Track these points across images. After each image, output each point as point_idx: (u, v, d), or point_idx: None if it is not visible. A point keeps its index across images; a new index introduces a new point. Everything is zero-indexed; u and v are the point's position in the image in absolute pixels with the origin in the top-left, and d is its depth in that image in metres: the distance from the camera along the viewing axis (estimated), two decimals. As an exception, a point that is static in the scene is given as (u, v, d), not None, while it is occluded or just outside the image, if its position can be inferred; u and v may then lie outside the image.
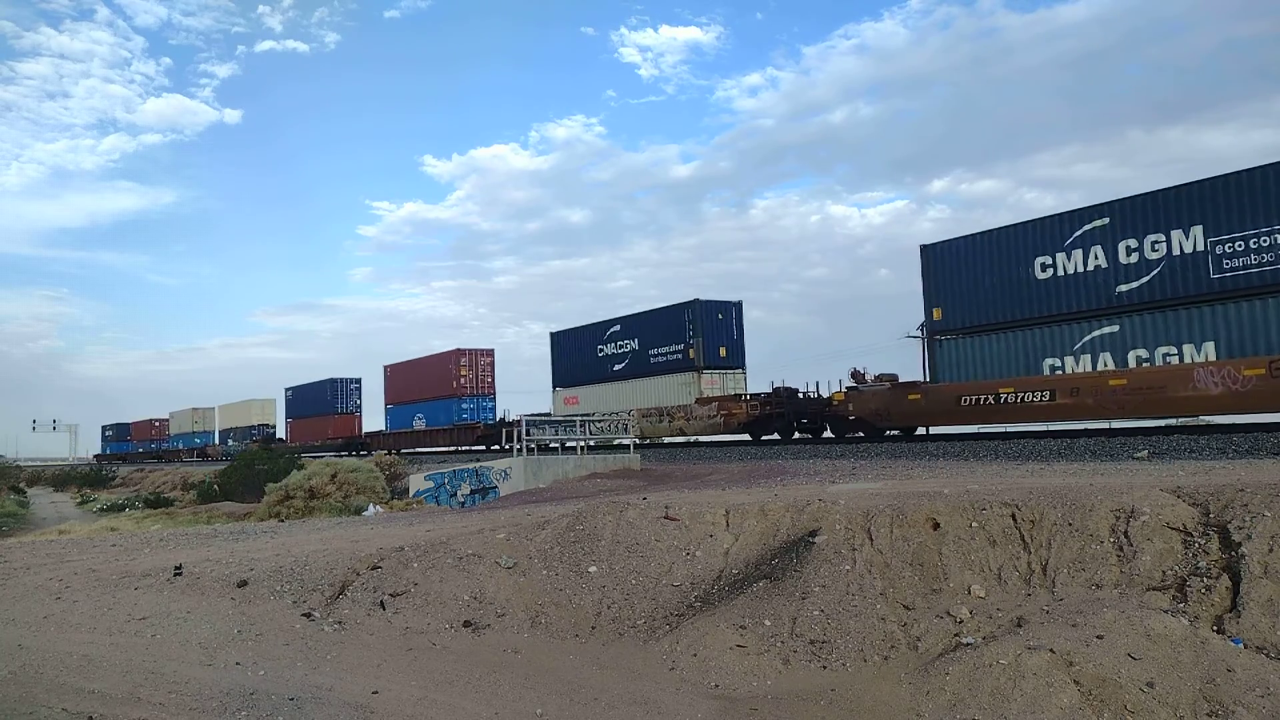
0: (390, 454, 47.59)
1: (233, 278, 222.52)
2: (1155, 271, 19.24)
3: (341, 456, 40.91)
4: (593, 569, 9.36)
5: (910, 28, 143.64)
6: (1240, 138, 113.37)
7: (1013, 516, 8.29)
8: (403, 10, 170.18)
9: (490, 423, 42.43)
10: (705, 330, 32.44)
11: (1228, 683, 5.96)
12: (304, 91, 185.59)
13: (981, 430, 24.61)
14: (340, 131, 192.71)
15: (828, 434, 28.76)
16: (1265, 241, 17.48)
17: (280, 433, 64.63)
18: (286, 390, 63.61)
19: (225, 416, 72.76)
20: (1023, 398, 20.78)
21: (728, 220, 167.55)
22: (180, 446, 78.19)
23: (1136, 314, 19.46)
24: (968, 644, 6.82)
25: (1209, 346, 18.17)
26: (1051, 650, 6.26)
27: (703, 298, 32.83)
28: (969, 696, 6.20)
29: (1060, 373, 20.53)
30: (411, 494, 26.89)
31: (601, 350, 37.29)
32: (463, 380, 44.17)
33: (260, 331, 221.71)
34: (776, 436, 29.60)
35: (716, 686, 7.16)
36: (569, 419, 30.43)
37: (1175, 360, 18.65)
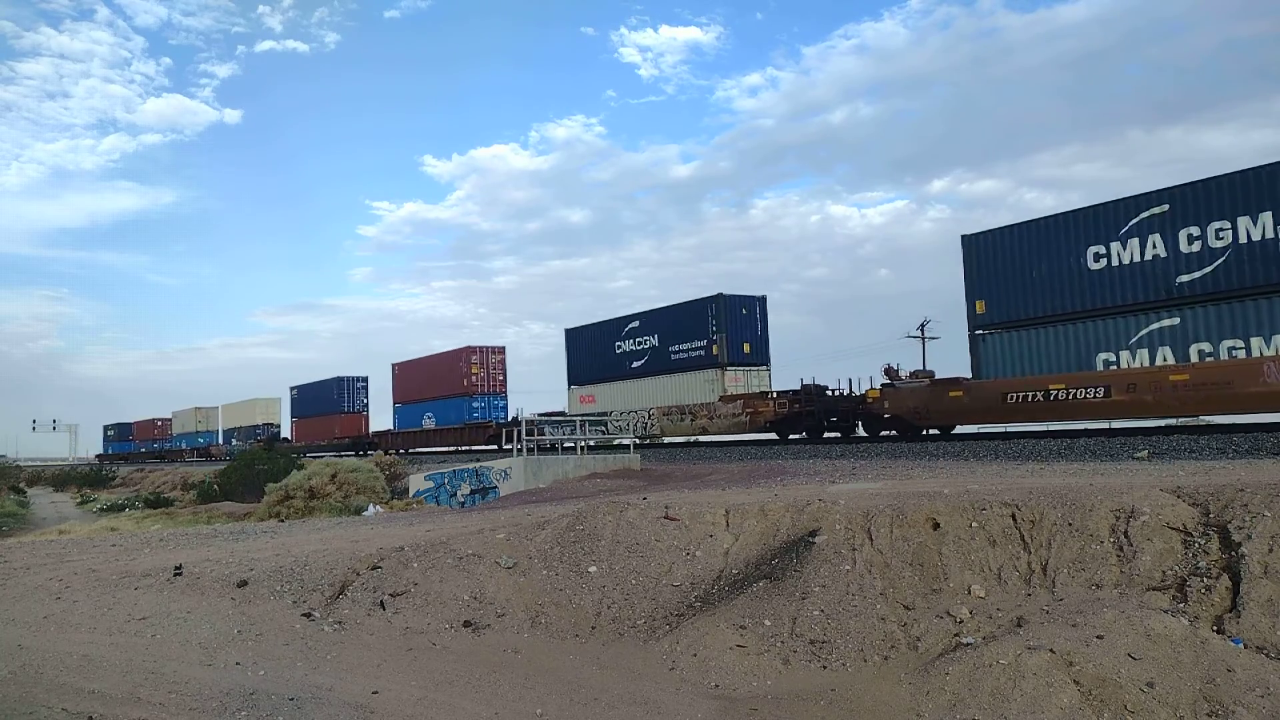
0: (397, 453, 47.33)
1: (233, 278, 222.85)
2: (1220, 260, 18.30)
3: (349, 456, 40.60)
4: (593, 569, 9.36)
5: (910, 28, 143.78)
6: (1240, 138, 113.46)
7: (1013, 516, 8.29)
8: (403, 10, 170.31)
9: (502, 421, 41.79)
10: (729, 326, 31.44)
11: (1228, 683, 5.96)
12: (304, 91, 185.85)
13: (1028, 429, 23.73)
14: (340, 131, 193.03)
15: (859, 433, 27.91)
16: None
17: (285, 432, 63.98)
18: (292, 389, 62.82)
19: (229, 416, 72.25)
20: (1075, 394, 19.83)
21: (728, 220, 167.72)
22: (183, 446, 77.74)
23: (1199, 305, 18.52)
24: (968, 644, 6.82)
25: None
26: (1051, 650, 6.26)
27: (726, 292, 31.70)
28: (969, 696, 6.20)
29: (1115, 367, 19.63)
30: (411, 494, 26.88)
31: (619, 347, 36.40)
32: (474, 378, 43.46)
33: (260, 331, 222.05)
34: (803, 436, 28.84)
35: (716, 686, 7.16)
36: (569, 419, 30.47)
37: (1242, 354, 17.79)
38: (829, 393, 28.59)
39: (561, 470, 23.34)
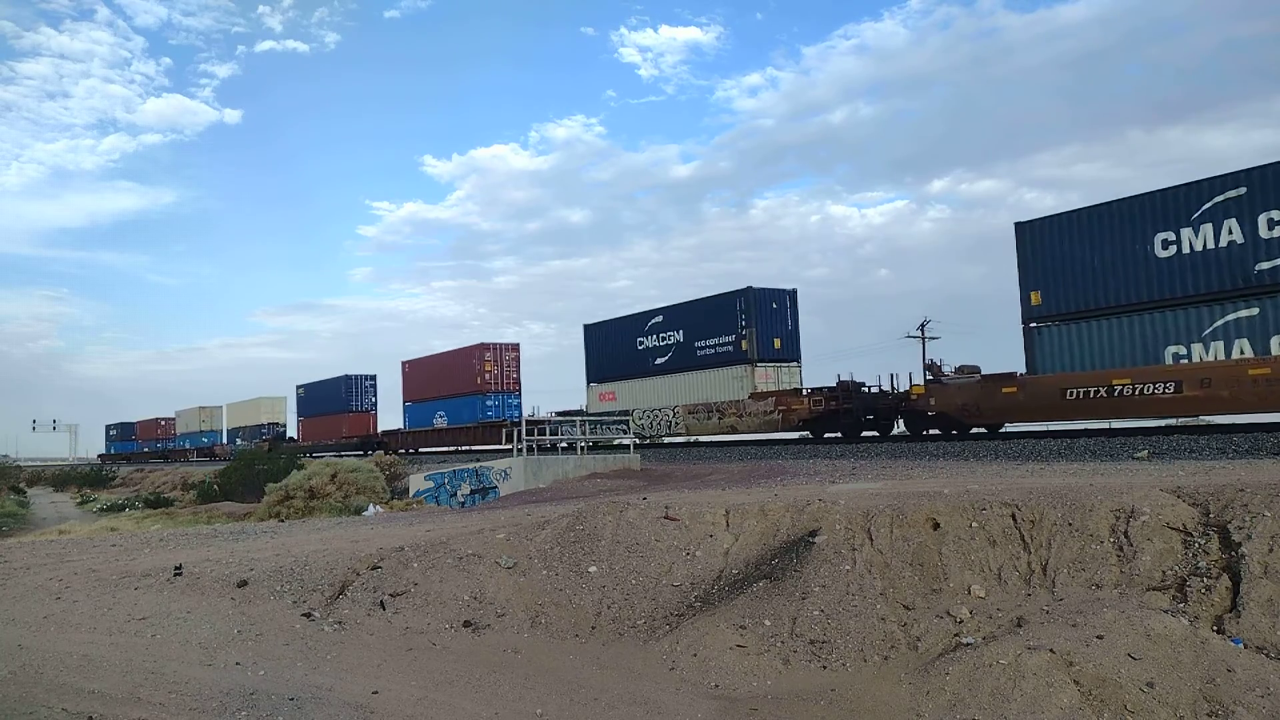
0: (408, 453, 46.65)
1: (233, 278, 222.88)
2: (1304, 245, 16.90)
3: (359, 456, 40.22)
4: (593, 569, 9.36)
5: (910, 28, 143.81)
6: (1240, 138, 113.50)
7: (1013, 516, 8.29)
8: (403, 10, 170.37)
9: (517, 420, 41.34)
10: (758, 320, 29.98)
11: (1228, 683, 5.96)
12: (304, 91, 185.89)
13: (1089, 427, 22.67)
14: (340, 131, 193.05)
15: (898, 431, 26.75)
16: None
17: (291, 431, 63.20)
18: (298, 388, 61.95)
19: (233, 415, 71.50)
20: (1141, 390, 18.62)
21: (728, 220, 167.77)
22: (187, 446, 77.10)
23: (1280, 294, 17.31)
24: (968, 644, 6.82)
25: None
26: (1051, 650, 6.26)
27: (756, 285, 30.42)
28: (969, 696, 6.19)
29: (1187, 361, 18.36)
30: (411, 494, 26.90)
31: (642, 343, 34.98)
32: (487, 376, 42.36)
33: (260, 331, 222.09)
34: (838, 435, 27.52)
35: (716, 686, 7.16)
36: (569, 420, 30.39)
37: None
38: (864, 389, 27.39)
39: (561, 470, 23.35)
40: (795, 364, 30.92)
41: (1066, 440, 19.06)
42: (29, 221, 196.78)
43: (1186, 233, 18.69)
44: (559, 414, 37.22)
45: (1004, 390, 21.56)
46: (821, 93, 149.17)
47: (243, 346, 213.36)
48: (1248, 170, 17.91)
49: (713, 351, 31.56)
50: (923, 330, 39.21)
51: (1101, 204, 20.26)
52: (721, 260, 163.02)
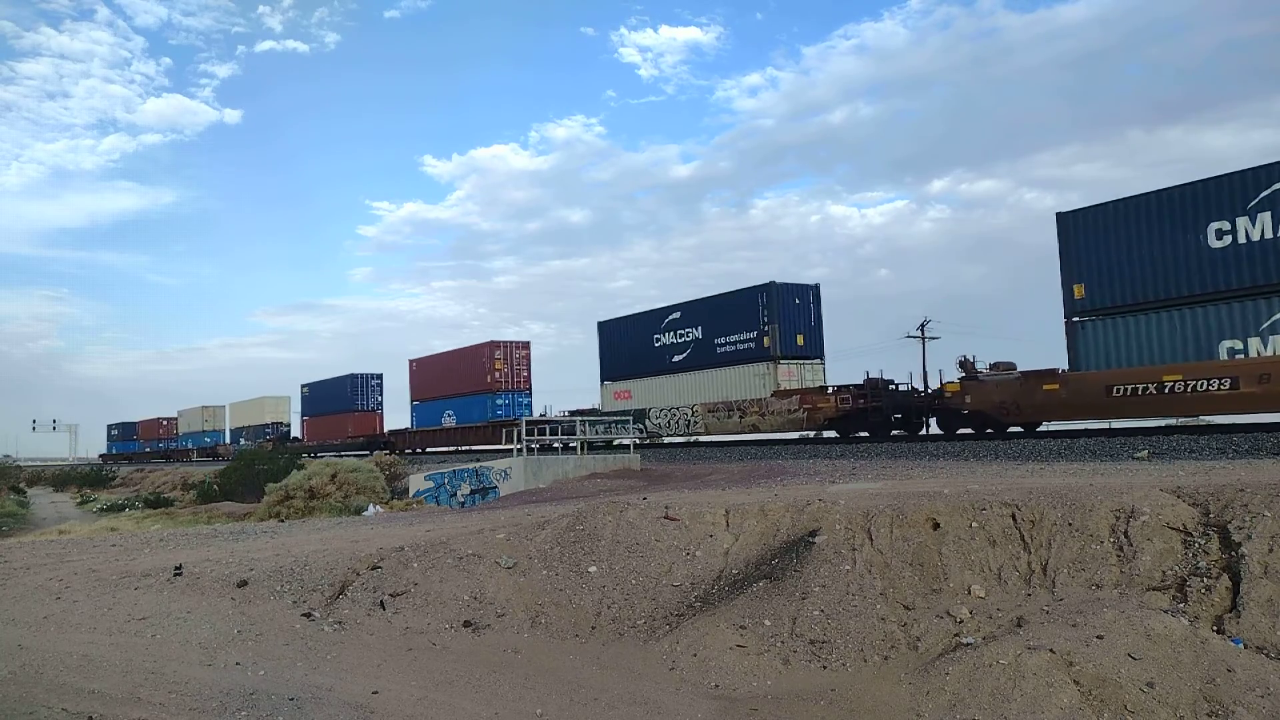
0: (416, 452, 45.99)
1: (233, 278, 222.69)
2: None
3: (364, 457, 39.87)
4: (593, 569, 9.36)
5: (910, 28, 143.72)
6: (1240, 138, 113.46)
7: (1013, 516, 8.29)
8: (403, 10, 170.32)
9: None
10: (781, 316, 28.98)
11: (1228, 683, 5.96)
12: (304, 91, 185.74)
13: (1138, 425, 21.76)
14: (340, 131, 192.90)
15: (930, 430, 25.65)
16: None
17: (295, 431, 62.46)
18: (303, 387, 60.91)
19: (237, 415, 70.79)
20: (1194, 386, 17.74)
21: (728, 220, 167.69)
22: (190, 446, 76.48)
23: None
24: (968, 644, 6.82)
25: None
26: (1051, 650, 6.26)
27: (779, 280, 29.40)
28: (969, 696, 6.20)
29: (1243, 356, 17.52)
30: (411, 494, 26.91)
31: (659, 340, 33.91)
32: (497, 375, 41.46)
33: (260, 331, 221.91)
34: (866, 435, 26.52)
35: (716, 686, 7.16)
36: (570, 420, 30.35)
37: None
38: (893, 387, 26.49)
39: (561, 470, 23.36)
40: (819, 361, 29.96)
41: (1066, 440, 19.05)
42: (29, 221, 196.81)
43: (1242, 221, 17.75)
44: (571, 413, 36.82)
45: (1045, 387, 20.62)
46: (821, 93, 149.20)
47: (243, 346, 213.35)
48: (1312, 155, 17.02)
49: (733, 348, 30.62)
50: (923, 330, 39.12)
51: (1150, 192, 19.40)
52: (721, 260, 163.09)
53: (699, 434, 31.53)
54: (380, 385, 54.50)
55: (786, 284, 29.60)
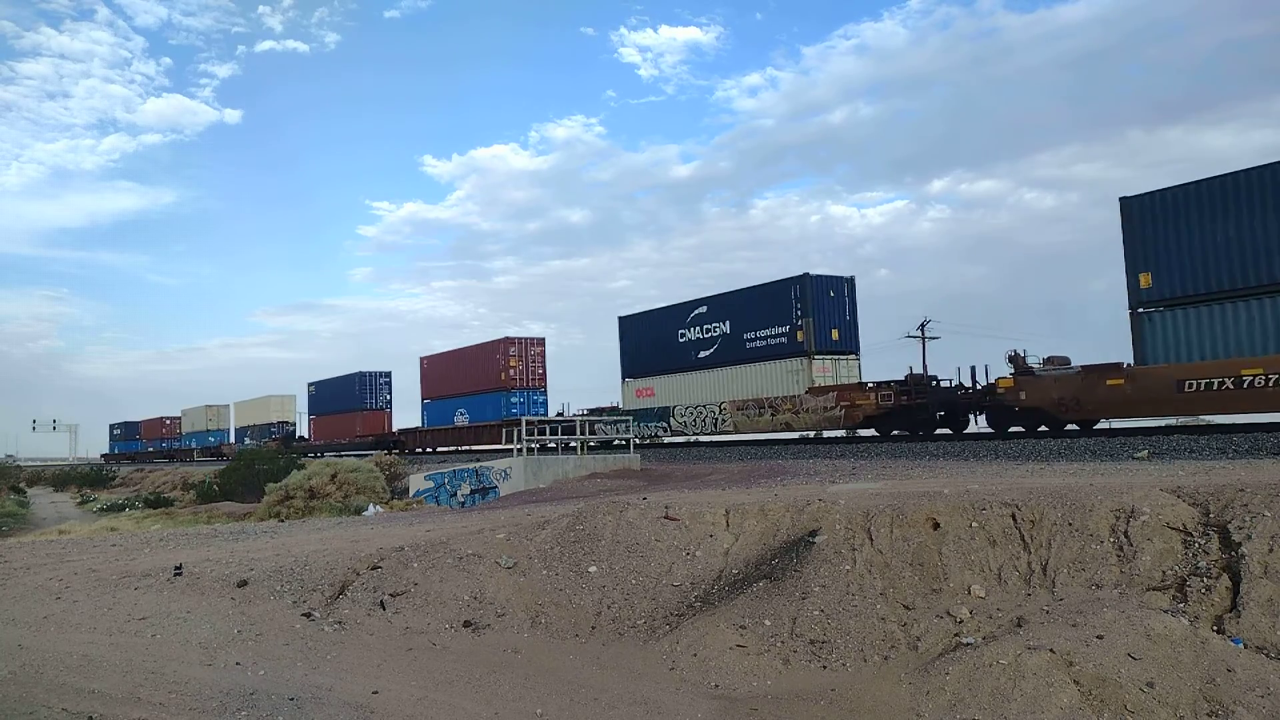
0: (427, 452, 45.37)
1: (233, 278, 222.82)
2: None
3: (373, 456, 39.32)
4: (593, 569, 9.36)
5: (910, 28, 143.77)
6: (1240, 138, 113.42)
7: (1013, 516, 8.29)
8: (403, 10, 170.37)
9: (544, 418, 38.27)
10: (815, 309, 27.80)
11: (1228, 683, 5.96)
12: (304, 91, 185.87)
13: (1212, 422, 20.84)
14: (340, 131, 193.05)
15: (977, 428, 24.65)
16: None
17: (302, 430, 61.70)
18: (309, 385, 59.98)
19: (241, 414, 69.91)
20: (1277, 381, 16.72)
21: (728, 220, 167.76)
22: (193, 445, 75.76)
23: None
24: (968, 644, 6.82)
25: None
26: (1051, 650, 6.26)
27: (812, 272, 28.27)
28: (969, 696, 6.20)
29: None
30: (411, 494, 26.91)
31: (683, 335, 32.58)
32: (511, 372, 40.43)
33: (260, 331, 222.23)
34: (907, 434, 25.39)
35: (716, 686, 7.17)
36: (569, 421, 30.32)
37: None
38: (935, 383, 25.45)
39: (561, 470, 23.36)
40: (854, 356, 28.73)
41: (1066, 440, 19.04)
42: (29, 221, 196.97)
43: (1335, 203, 16.40)
44: (590, 411, 36.26)
45: (1108, 382, 19.51)
46: (821, 93, 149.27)
47: (243, 346, 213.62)
48: None
49: (764, 343, 29.32)
50: (923, 330, 39.11)
51: (1227, 174, 18.26)
52: (721, 260, 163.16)
53: (727, 432, 30.72)
54: (389, 384, 53.61)
55: (820, 275, 28.43)
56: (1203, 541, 7.37)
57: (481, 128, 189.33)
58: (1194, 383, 18.03)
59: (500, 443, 38.20)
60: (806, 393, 27.57)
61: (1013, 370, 22.04)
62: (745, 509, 10.06)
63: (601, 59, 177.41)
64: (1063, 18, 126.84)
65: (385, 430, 51.65)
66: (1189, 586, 6.96)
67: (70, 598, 8.48)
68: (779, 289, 28.93)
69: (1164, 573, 7.24)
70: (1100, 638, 6.34)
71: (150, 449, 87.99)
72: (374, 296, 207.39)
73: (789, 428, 28.71)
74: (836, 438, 28.51)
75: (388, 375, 53.90)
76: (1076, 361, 21.38)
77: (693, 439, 32.88)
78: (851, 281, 28.99)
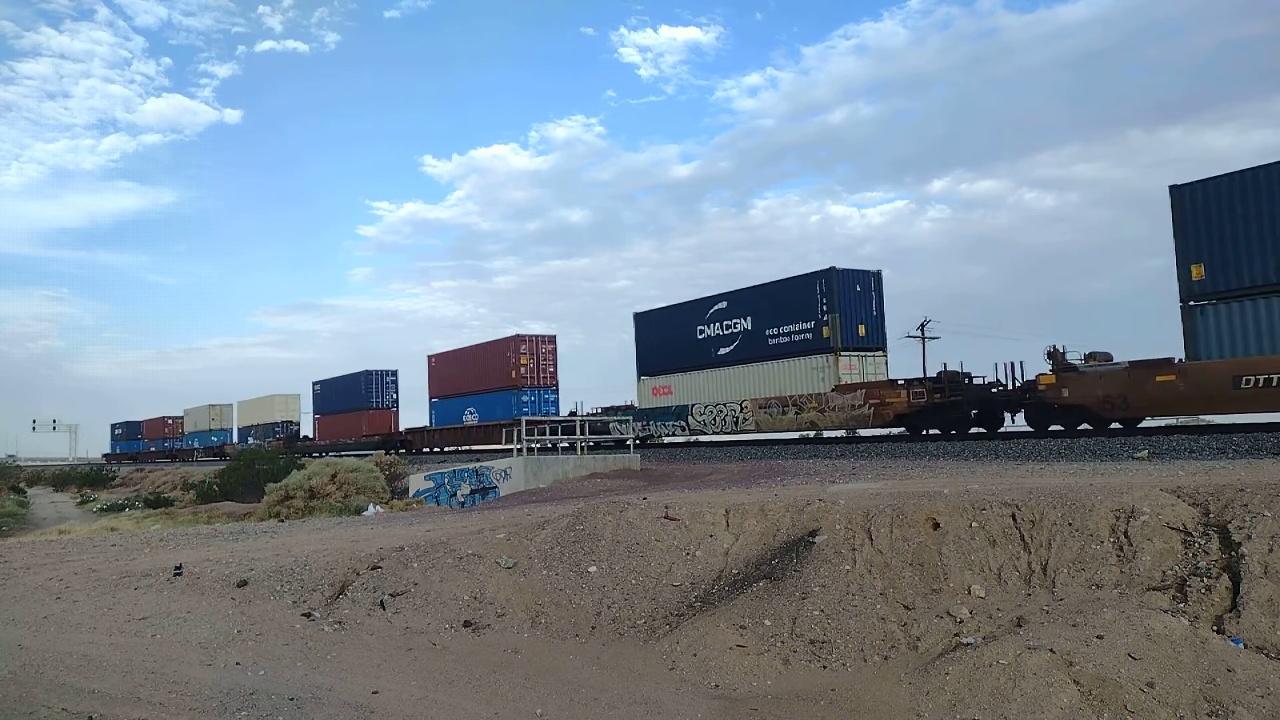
0: (437, 451, 44.76)
1: (233, 278, 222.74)
2: None
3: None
4: (593, 569, 9.36)
5: (910, 28, 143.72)
6: (1240, 138, 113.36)
7: (1013, 516, 8.29)
8: (403, 10, 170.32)
9: (544, 418, 36.92)
10: (842, 304, 27.00)
11: (1228, 683, 5.96)
12: (304, 91, 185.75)
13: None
14: (340, 131, 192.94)
15: (1013, 426, 23.84)
16: None
17: (306, 430, 61.13)
18: (314, 384, 59.45)
19: (245, 413, 69.34)
20: None
21: (728, 220, 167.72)
22: (196, 445, 75.32)
23: None
24: (968, 644, 6.82)
25: None
26: (1051, 650, 6.26)
27: (839, 265, 27.49)
28: (969, 696, 6.20)
29: None
30: (411, 494, 26.92)
31: (702, 331, 31.74)
32: (522, 370, 39.79)
33: (260, 331, 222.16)
34: (938, 432, 24.63)
35: (716, 686, 7.17)
36: (570, 420, 30.26)
37: None
38: (968, 381, 24.62)
39: (561, 470, 23.37)
40: (881, 353, 27.91)
41: (1066, 440, 19.04)
42: (29, 221, 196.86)
43: None
44: (604, 410, 35.93)
45: (1158, 379, 18.70)
46: (821, 93, 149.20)
47: (243, 346, 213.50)
48: None
49: (788, 340, 28.45)
50: (923, 330, 39.10)
51: None
52: (722, 260, 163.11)
53: (749, 431, 29.98)
54: (395, 382, 53.02)
55: (847, 270, 27.62)
56: (1203, 541, 7.37)
57: (481, 128, 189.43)
58: (1252, 379, 17.16)
59: (509, 441, 37.94)
60: (833, 390, 26.72)
61: (1052, 366, 21.27)
62: (745, 509, 10.06)
63: (601, 59, 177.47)
64: (1063, 18, 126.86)
65: (392, 430, 51.06)
66: (1189, 586, 6.96)
67: (70, 598, 8.49)
68: (803, 283, 28.08)
69: (1164, 573, 7.24)
70: (1100, 638, 6.34)
71: (152, 449, 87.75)
72: (374, 296, 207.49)
73: (814, 426, 27.94)
74: (836, 438, 28.49)
75: (394, 374, 53.27)
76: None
77: (710, 438, 32.16)
78: (878, 276, 28.23)
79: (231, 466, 38.81)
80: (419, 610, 8.52)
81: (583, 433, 26.49)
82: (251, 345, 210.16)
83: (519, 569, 9.39)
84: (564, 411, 39.15)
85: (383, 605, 8.53)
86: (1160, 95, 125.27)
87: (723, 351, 31.11)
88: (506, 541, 9.95)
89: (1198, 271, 18.28)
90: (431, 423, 46.97)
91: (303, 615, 8.19)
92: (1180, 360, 18.59)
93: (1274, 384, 16.85)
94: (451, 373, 45.34)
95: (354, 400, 53.10)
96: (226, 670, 6.61)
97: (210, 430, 74.16)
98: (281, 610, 8.28)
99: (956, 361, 25.22)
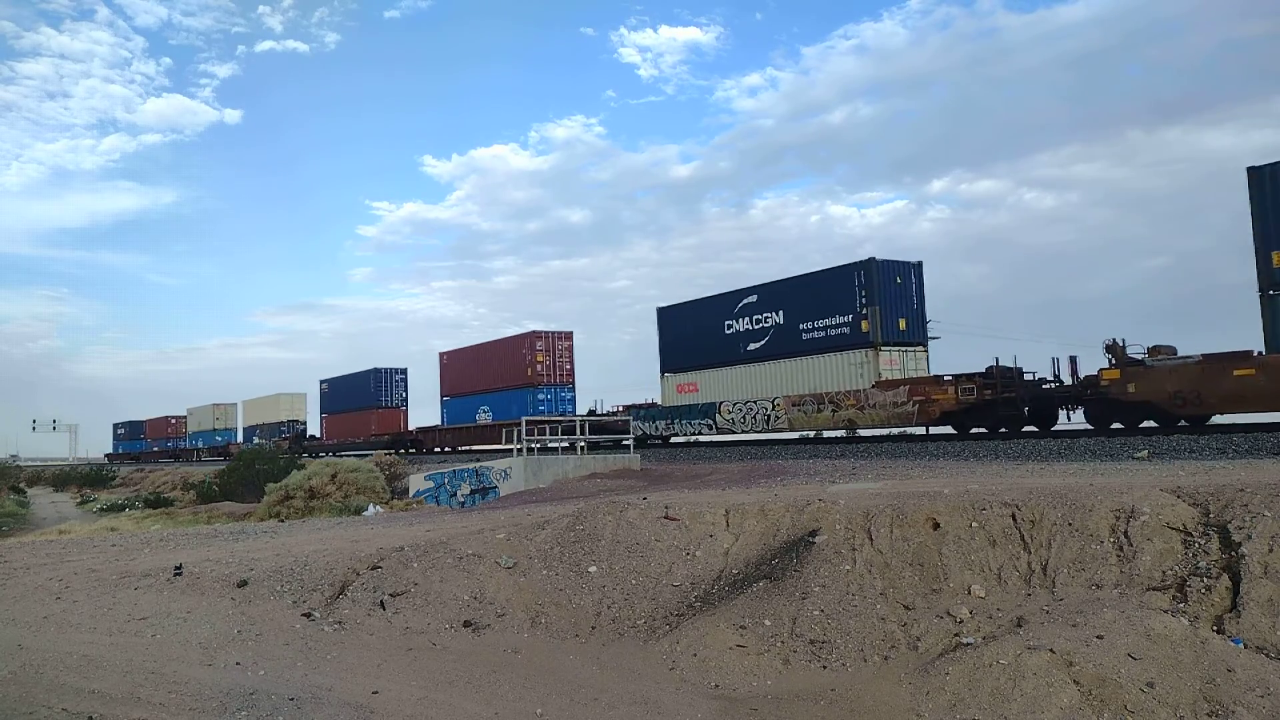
0: (449, 451, 44.00)
1: (233, 278, 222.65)
2: None
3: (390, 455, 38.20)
4: (593, 569, 9.36)
5: (910, 28, 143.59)
6: (1240, 138, 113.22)
7: (1013, 516, 8.29)
8: (403, 10, 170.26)
9: (572, 415, 36.56)
10: (882, 297, 25.90)
11: (1228, 683, 5.96)
12: (304, 91, 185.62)
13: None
14: (340, 131, 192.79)
15: (1067, 424, 22.64)
16: None
17: (313, 429, 60.28)
18: (321, 383, 58.65)
19: (250, 412, 68.46)
20: None
21: (728, 220, 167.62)
22: (200, 445, 74.49)
23: None
24: (968, 644, 6.82)
25: None
26: (1051, 650, 6.26)
27: (879, 256, 26.35)
28: (969, 696, 6.20)
29: None
30: (411, 494, 26.91)
31: (731, 326, 30.59)
32: (539, 367, 38.66)
33: (260, 331, 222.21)
34: (985, 430, 23.53)
35: (716, 686, 7.17)
36: (569, 420, 30.24)
37: None
38: (1019, 377, 23.40)
39: (561, 470, 23.36)
40: (923, 348, 26.74)
41: (1066, 440, 19.05)
42: (29, 221, 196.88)
43: None
44: (626, 408, 35.36)
45: (1236, 373, 17.44)
46: (821, 93, 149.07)
47: (243, 346, 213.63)
48: None
49: (823, 334, 27.31)
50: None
51: None
52: (722, 260, 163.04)
53: (781, 429, 28.88)
54: (405, 381, 52.10)
55: (887, 260, 26.42)
56: (1203, 541, 7.37)
57: (481, 128, 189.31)
58: None
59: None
60: (873, 387, 25.50)
61: (1111, 360, 20.21)
62: (745, 509, 10.06)
63: (601, 59, 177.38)
64: (1062, 18, 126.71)
65: (402, 429, 50.15)
66: (1189, 586, 6.96)
67: (70, 598, 8.49)
68: (840, 275, 26.97)
69: (1164, 573, 7.24)
70: (1100, 638, 6.34)
71: (155, 449, 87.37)
72: (374, 296, 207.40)
73: (852, 425, 26.75)
74: (836, 438, 28.47)
75: (403, 372, 52.30)
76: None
77: (740, 437, 31.12)
78: (919, 267, 27.00)
79: (231, 466, 38.78)
80: (419, 610, 8.52)
81: (583, 432, 26.50)
82: (251, 345, 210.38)
83: (519, 569, 9.39)
84: (582, 410, 38.27)
85: (383, 605, 8.53)
86: (1160, 95, 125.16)
87: (752, 347, 29.95)
88: (506, 541, 9.95)
89: (1278, 258, 17.07)
90: (443, 422, 46.02)
91: (303, 615, 8.19)
92: (1259, 353, 17.49)
93: None
94: (464, 370, 44.31)
95: (362, 399, 52.13)
96: (226, 670, 6.61)
97: (214, 430, 73.44)
98: (281, 610, 8.28)
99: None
